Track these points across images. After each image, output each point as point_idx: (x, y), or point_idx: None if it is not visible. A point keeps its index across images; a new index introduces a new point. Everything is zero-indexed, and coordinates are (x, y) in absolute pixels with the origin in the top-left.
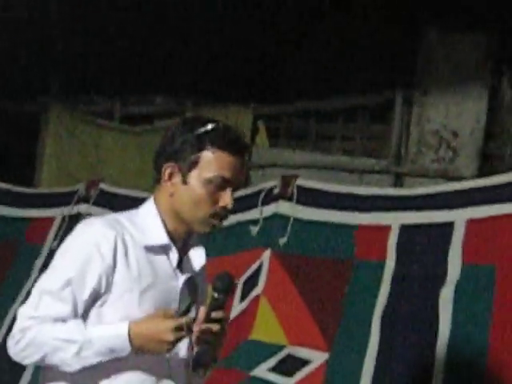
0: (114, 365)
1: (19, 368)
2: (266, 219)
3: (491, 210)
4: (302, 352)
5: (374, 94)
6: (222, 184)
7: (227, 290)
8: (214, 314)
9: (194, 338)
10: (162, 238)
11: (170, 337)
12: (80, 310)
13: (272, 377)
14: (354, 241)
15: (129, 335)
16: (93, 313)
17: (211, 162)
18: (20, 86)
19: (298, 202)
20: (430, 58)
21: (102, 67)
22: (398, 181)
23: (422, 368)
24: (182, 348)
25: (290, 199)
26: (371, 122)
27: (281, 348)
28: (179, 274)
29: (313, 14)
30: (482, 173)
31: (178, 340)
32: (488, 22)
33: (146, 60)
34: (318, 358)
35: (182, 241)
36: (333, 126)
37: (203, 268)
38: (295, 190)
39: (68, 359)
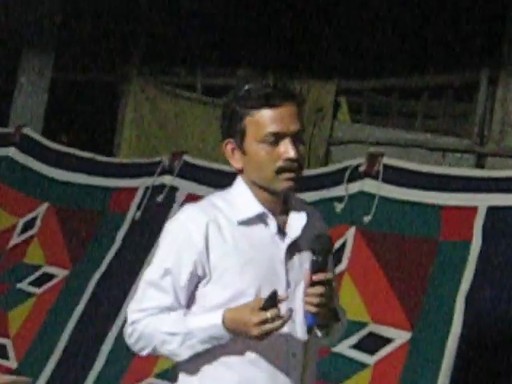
0: (225, 350)
1: None
2: (350, 196)
3: None
4: (385, 330)
5: (459, 73)
6: (275, 139)
7: (326, 251)
8: (314, 277)
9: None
10: (255, 209)
11: (254, 331)
12: (182, 297)
13: (353, 353)
14: (440, 220)
15: (224, 323)
16: (198, 294)
17: (255, 125)
18: (102, 56)
19: (384, 180)
20: None
21: (184, 39)
22: (481, 160)
23: (506, 349)
24: (298, 330)
25: (375, 177)
26: (455, 101)
27: (363, 325)
28: (280, 241)
29: None
30: None
31: (267, 333)
32: None
33: (228, 32)
34: (400, 336)
35: (278, 208)
36: (416, 104)
37: (310, 229)
38: (381, 168)
39: (175, 350)
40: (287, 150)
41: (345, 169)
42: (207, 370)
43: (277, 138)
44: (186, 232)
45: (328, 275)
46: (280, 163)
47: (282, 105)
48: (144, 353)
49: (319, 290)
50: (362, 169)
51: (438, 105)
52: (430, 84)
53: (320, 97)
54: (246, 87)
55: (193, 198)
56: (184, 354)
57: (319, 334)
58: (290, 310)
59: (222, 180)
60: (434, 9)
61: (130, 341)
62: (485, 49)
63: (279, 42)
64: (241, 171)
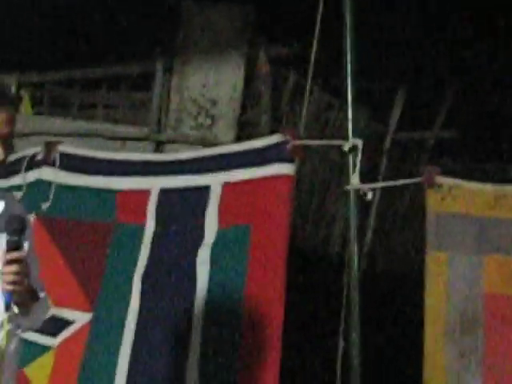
0: None
1: None
2: (29, 185)
3: (246, 174)
4: (66, 312)
5: (135, 64)
6: None
7: (19, 231)
8: (8, 256)
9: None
10: None
11: None
12: None
13: (36, 337)
14: (115, 204)
15: None
16: None
17: None
18: None
19: (61, 167)
20: (189, 28)
21: None
22: (159, 148)
23: (180, 327)
24: None
25: (52, 165)
26: (133, 91)
27: None
28: None
29: None
30: (238, 140)
31: None
32: None
33: None
34: (81, 318)
35: None
36: (96, 94)
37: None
38: (58, 156)
39: None
40: None
41: (22, 158)
42: None
43: None
44: None
45: (22, 254)
46: None
47: None
48: None
49: (14, 268)
50: (39, 157)
51: (117, 95)
52: (109, 74)
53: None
54: None
55: None
56: None
57: (16, 310)
58: None
59: None
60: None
61: None
62: (159, 39)
63: None
64: None
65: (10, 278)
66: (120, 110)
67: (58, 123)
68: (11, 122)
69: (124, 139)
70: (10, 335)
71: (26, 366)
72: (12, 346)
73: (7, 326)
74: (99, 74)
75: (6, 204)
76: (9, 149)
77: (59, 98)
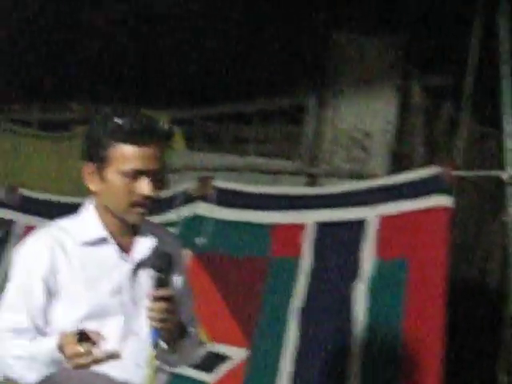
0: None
1: None
2: (184, 220)
3: (402, 206)
4: (222, 348)
5: (287, 97)
6: (135, 175)
7: (167, 267)
8: (155, 293)
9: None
10: (99, 232)
11: (69, 362)
12: (38, 317)
13: (193, 373)
14: (270, 239)
15: (59, 347)
16: (50, 314)
17: (118, 158)
18: None
19: (216, 202)
20: (341, 60)
21: (19, 74)
22: (312, 181)
23: (338, 359)
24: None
25: (207, 200)
26: (285, 124)
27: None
28: (124, 262)
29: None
30: (393, 172)
31: (83, 364)
32: (396, 25)
33: (62, 65)
34: (238, 354)
35: (126, 232)
36: (247, 129)
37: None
38: (212, 191)
39: (21, 373)
40: (144, 187)
41: (176, 194)
42: None
43: (136, 174)
44: (33, 253)
45: (168, 291)
46: (135, 198)
47: (148, 144)
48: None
49: (161, 305)
50: (193, 192)
51: (268, 129)
52: (260, 108)
53: None
54: (118, 120)
55: (32, 230)
56: (31, 377)
57: (164, 347)
58: (116, 353)
59: (60, 211)
60: (258, 33)
61: None
62: (310, 71)
63: (110, 75)
64: (95, 193)
65: (157, 315)
66: (271, 143)
67: (210, 158)
68: (161, 158)
69: (276, 173)
70: (157, 372)
71: None
72: (159, 382)
73: (155, 363)
74: (250, 108)
75: (159, 240)
76: (160, 185)
77: (211, 134)
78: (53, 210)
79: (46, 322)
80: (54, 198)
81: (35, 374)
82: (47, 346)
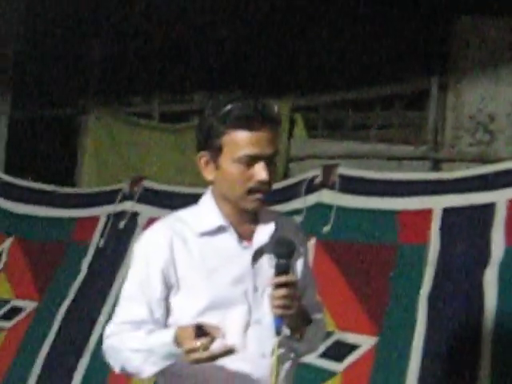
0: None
1: None
2: (309, 209)
3: None
4: (351, 337)
5: (409, 82)
6: (250, 161)
7: (288, 254)
8: (276, 280)
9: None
10: (217, 221)
11: (186, 357)
12: (156, 309)
13: (321, 362)
14: (397, 225)
15: (176, 340)
16: (171, 306)
17: (232, 144)
18: (59, 91)
19: (340, 190)
20: (463, 43)
21: (139, 67)
22: (436, 166)
23: (469, 347)
24: (268, 333)
25: (331, 188)
26: (407, 110)
27: (329, 334)
28: (245, 250)
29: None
30: None
31: (200, 360)
32: None
33: (181, 58)
34: (366, 342)
35: (245, 219)
36: (369, 115)
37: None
38: (337, 179)
39: (138, 366)
40: (260, 172)
41: (301, 182)
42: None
43: (251, 159)
44: (152, 245)
45: (290, 277)
46: (252, 184)
47: (260, 129)
48: (116, 369)
49: (283, 292)
50: (318, 180)
51: (390, 115)
52: (382, 94)
53: None
54: (229, 106)
55: (154, 222)
56: (148, 370)
57: (288, 334)
58: (233, 348)
59: (182, 202)
60: (380, 18)
61: (106, 356)
62: (433, 56)
63: (229, 65)
64: (211, 182)
65: (279, 301)
66: (394, 129)
67: (332, 145)
68: (274, 142)
69: (400, 159)
70: (282, 360)
71: None
72: (284, 371)
73: (278, 351)
74: (372, 94)
75: (279, 227)
76: (275, 169)
77: (333, 121)
78: (175, 201)
79: (166, 313)
80: (176, 189)
81: (152, 367)
82: (164, 339)
